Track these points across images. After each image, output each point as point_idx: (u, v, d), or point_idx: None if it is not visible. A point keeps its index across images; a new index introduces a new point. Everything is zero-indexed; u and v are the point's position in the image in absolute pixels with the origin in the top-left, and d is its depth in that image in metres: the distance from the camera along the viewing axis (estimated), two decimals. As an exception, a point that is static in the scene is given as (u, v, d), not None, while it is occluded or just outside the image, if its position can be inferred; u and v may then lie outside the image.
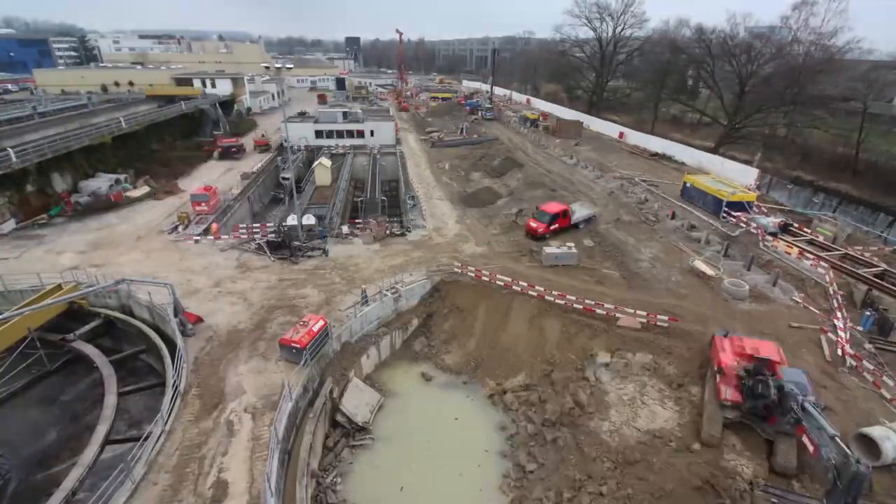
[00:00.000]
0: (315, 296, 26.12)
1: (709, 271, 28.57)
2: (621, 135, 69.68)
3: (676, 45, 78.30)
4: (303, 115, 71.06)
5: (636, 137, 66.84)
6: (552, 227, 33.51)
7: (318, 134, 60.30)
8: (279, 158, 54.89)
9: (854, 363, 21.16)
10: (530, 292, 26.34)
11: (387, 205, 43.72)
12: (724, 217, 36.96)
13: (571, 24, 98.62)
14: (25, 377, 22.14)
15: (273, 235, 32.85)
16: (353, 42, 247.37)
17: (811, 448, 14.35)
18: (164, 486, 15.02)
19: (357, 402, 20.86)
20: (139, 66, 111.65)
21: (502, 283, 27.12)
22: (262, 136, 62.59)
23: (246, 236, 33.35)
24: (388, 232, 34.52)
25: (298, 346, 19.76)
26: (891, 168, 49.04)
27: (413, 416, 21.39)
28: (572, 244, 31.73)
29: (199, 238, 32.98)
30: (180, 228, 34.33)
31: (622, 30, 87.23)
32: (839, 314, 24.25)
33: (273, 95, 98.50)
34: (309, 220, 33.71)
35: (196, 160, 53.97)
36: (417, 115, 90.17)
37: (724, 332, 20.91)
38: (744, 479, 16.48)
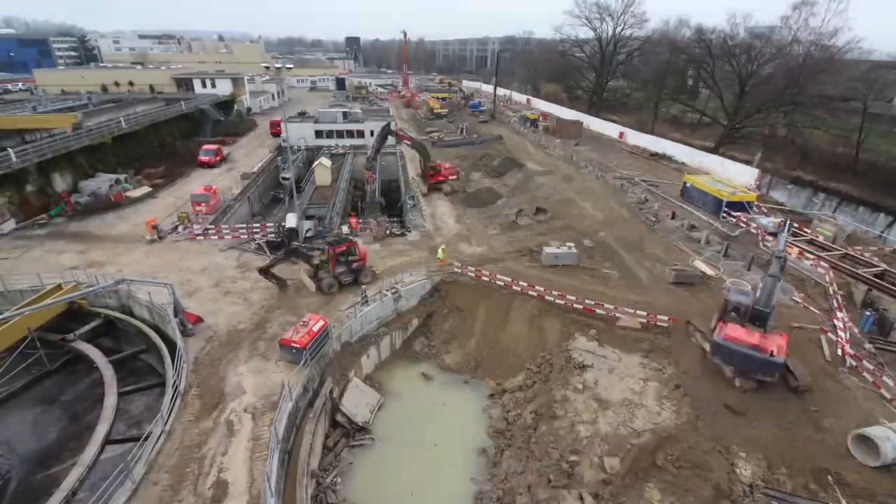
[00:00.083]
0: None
1: (709, 271, 28.60)
2: (621, 135, 69.68)
3: (676, 45, 78.26)
4: (303, 115, 70.97)
5: (636, 137, 66.86)
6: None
7: (318, 134, 60.28)
8: (279, 158, 54.88)
9: (854, 363, 21.16)
10: (530, 292, 26.35)
11: (384, 205, 43.86)
12: (724, 217, 36.97)
13: (571, 24, 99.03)
14: (25, 377, 22.16)
15: (273, 235, 32.87)
16: (353, 42, 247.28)
17: None
18: (164, 486, 15.03)
19: (357, 402, 20.87)
20: (139, 66, 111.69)
21: (502, 283, 27.13)
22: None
23: (246, 236, 33.39)
24: (387, 232, 34.54)
25: (298, 346, 19.77)
26: (891, 168, 48.98)
27: (413, 416, 21.40)
28: (572, 244, 31.74)
29: (200, 237, 33.02)
30: (180, 228, 34.33)
31: (622, 30, 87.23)
32: (839, 314, 24.26)
33: (273, 95, 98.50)
34: (304, 225, 33.53)
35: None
36: (418, 115, 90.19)
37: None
38: (743, 481, 16.45)
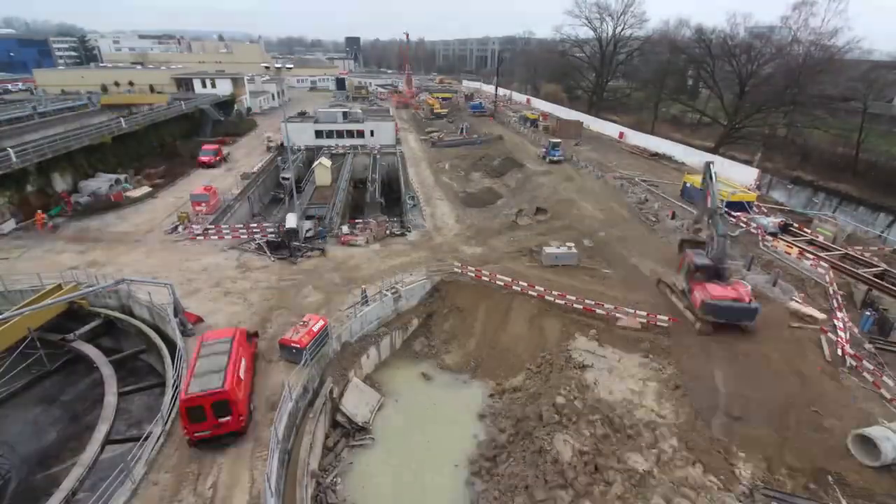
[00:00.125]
0: (314, 296, 26.12)
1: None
2: (621, 135, 69.68)
3: (676, 45, 78.27)
4: (303, 115, 70.95)
5: (636, 137, 66.85)
6: None
7: (318, 134, 60.27)
8: (279, 158, 54.90)
9: (854, 363, 21.15)
10: (530, 292, 26.36)
11: (385, 205, 43.85)
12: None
13: (571, 24, 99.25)
14: (25, 377, 22.16)
15: (273, 235, 32.87)
16: (353, 42, 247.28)
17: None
18: (164, 486, 15.03)
19: (357, 402, 20.86)
20: (139, 66, 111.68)
21: (502, 283, 27.13)
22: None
23: (246, 236, 33.39)
24: (388, 232, 34.53)
25: (298, 346, 19.76)
26: (891, 168, 48.99)
27: (413, 416, 21.39)
28: (572, 244, 31.75)
29: (200, 237, 33.02)
30: (180, 228, 34.33)
31: (622, 30, 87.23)
32: (839, 314, 24.27)
33: (273, 95, 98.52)
34: (304, 225, 33.51)
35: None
36: (418, 115, 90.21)
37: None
38: (742, 482, 16.44)
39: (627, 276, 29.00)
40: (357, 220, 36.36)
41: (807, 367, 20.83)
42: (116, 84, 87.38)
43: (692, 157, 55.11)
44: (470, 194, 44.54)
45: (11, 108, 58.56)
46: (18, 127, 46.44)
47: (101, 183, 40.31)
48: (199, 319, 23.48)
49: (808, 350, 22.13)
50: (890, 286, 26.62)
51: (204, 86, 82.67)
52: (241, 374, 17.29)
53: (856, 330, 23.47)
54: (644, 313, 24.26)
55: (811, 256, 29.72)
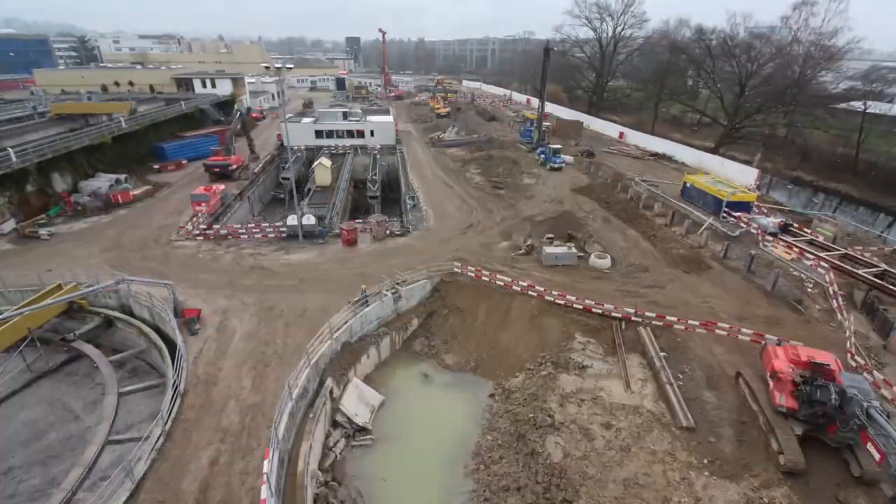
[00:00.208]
0: (316, 297, 26.11)
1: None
2: (621, 135, 69.71)
3: (676, 46, 78.26)
4: (309, 106, 70.66)
5: (636, 137, 66.87)
6: None
7: (318, 134, 60.28)
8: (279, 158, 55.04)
9: (854, 363, 21.14)
10: (530, 292, 26.36)
11: (380, 205, 43.96)
12: (724, 217, 36.97)
13: (571, 25, 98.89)
14: (25, 377, 22.17)
15: (273, 236, 33.04)
16: (353, 42, 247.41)
17: (878, 456, 13.97)
18: (164, 486, 15.03)
19: (357, 402, 20.85)
20: (139, 66, 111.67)
21: (502, 283, 27.14)
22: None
23: (246, 236, 33.45)
24: (387, 232, 34.54)
25: None
26: (891, 168, 49.00)
27: (413, 416, 21.37)
28: (572, 244, 31.78)
29: (200, 237, 33.06)
30: (181, 229, 34.35)
31: (622, 30, 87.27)
32: (840, 314, 24.28)
33: (273, 95, 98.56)
34: (309, 220, 33.74)
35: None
36: (423, 116, 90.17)
37: (777, 340, 20.62)
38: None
39: (627, 275, 28.93)
40: (357, 220, 36.41)
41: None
42: (116, 84, 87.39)
43: (693, 156, 55.16)
44: (470, 194, 44.48)
45: (11, 108, 58.50)
46: (18, 127, 46.39)
47: (101, 183, 40.33)
48: (198, 313, 23.65)
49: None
50: (890, 286, 26.62)
51: (204, 86, 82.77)
52: None
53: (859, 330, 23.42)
54: (653, 314, 24.25)
55: (811, 256, 29.72)
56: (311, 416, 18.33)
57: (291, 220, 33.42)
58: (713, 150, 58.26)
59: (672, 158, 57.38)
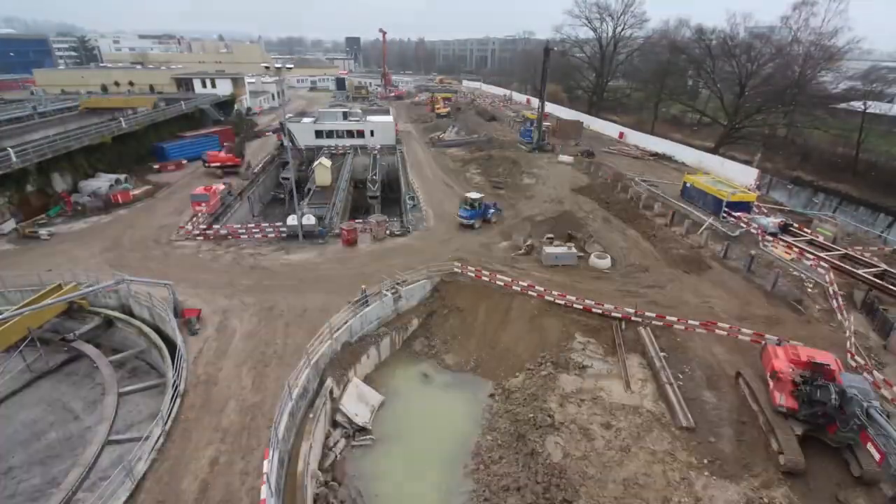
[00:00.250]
0: (316, 297, 26.12)
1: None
2: (621, 135, 69.71)
3: (676, 46, 78.27)
4: (315, 90, 71.00)
5: (636, 137, 66.85)
6: None
7: (318, 134, 60.30)
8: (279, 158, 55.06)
9: (854, 363, 21.15)
10: (530, 292, 26.36)
11: (379, 205, 43.94)
12: (724, 217, 36.97)
13: (571, 25, 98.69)
14: (25, 377, 22.17)
15: (273, 236, 33.04)
16: (353, 42, 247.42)
17: (878, 456, 13.94)
18: (164, 486, 15.03)
19: (357, 402, 20.85)
20: (139, 66, 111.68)
21: (502, 283, 27.14)
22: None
23: (246, 236, 33.46)
24: (387, 232, 34.53)
25: None
26: (891, 168, 49.03)
27: (413, 416, 21.37)
28: (572, 244, 31.78)
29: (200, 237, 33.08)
30: (181, 229, 34.35)
31: (622, 30, 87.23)
32: (840, 314, 24.28)
33: (273, 95, 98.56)
34: (309, 220, 33.77)
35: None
36: (424, 115, 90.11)
37: (777, 341, 20.64)
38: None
39: (627, 275, 28.93)
40: (357, 220, 36.40)
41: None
42: (116, 84, 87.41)
43: (693, 156, 55.13)
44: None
45: (11, 108, 58.53)
46: (18, 127, 46.45)
47: (101, 183, 40.33)
48: (198, 313, 23.66)
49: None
50: (890, 286, 26.62)
51: (204, 86, 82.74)
52: None
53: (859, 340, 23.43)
54: (653, 314, 24.26)
55: (811, 256, 29.72)
56: (311, 416, 18.33)
57: (291, 220, 33.44)
58: (713, 150, 58.26)
59: (672, 158, 57.35)
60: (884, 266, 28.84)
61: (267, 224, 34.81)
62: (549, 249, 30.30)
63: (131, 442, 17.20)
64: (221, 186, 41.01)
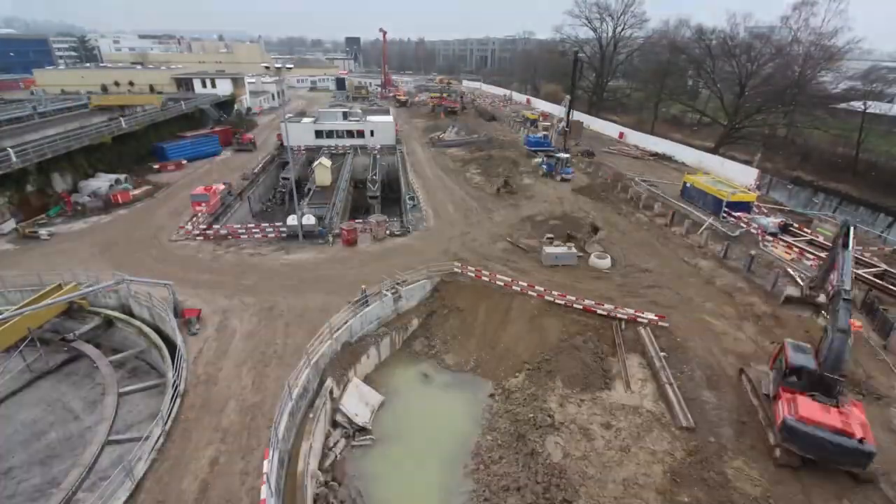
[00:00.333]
0: (316, 297, 26.12)
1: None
2: (621, 135, 69.73)
3: (676, 46, 78.28)
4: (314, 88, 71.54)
5: (636, 137, 66.87)
6: None
7: (318, 134, 60.31)
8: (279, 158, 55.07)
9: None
10: (530, 292, 26.36)
11: (380, 205, 43.92)
12: (724, 217, 36.97)
13: (571, 25, 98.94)
14: (25, 377, 22.17)
15: (273, 235, 33.05)
16: (353, 42, 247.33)
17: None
18: (164, 486, 15.03)
19: (357, 402, 20.85)
20: (139, 66, 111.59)
21: (502, 283, 27.14)
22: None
23: (246, 236, 33.47)
24: (387, 232, 34.54)
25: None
26: (891, 168, 49.02)
27: (413, 416, 21.37)
28: (572, 244, 31.77)
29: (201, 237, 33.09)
30: (181, 229, 34.36)
31: (622, 30, 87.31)
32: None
33: (273, 95, 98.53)
34: (309, 220, 33.78)
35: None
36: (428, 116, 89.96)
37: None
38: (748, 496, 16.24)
39: (628, 275, 28.95)
40: (357, 220, 36.40)
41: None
42: (116, 84, 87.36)
43: (693, 156, 55.08)
44: (469, 194, 44.48)
45: (11, 108, 58.50)
46: (18, 127, 46.44)
47: (101, 183, 40.34)
48: (198, 313, 23.66)
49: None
50: (890, 286, 26.62)
51: (204, 86, 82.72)
52: None
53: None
54: (650, 314, 24.26)
55: (811, 256, 29.72)
56: (311, 416, 18.33)
57: (291, 220, 33.45)
58: (713, 150, 58.24)
59: (672, 158, 57.36)
60: (884, 266, 28.84)
61: (267, 224, 34.84)
62: (549, 249, 30.30)
63: (131, 442, 17.20)
64: (221, 186, 41.01)
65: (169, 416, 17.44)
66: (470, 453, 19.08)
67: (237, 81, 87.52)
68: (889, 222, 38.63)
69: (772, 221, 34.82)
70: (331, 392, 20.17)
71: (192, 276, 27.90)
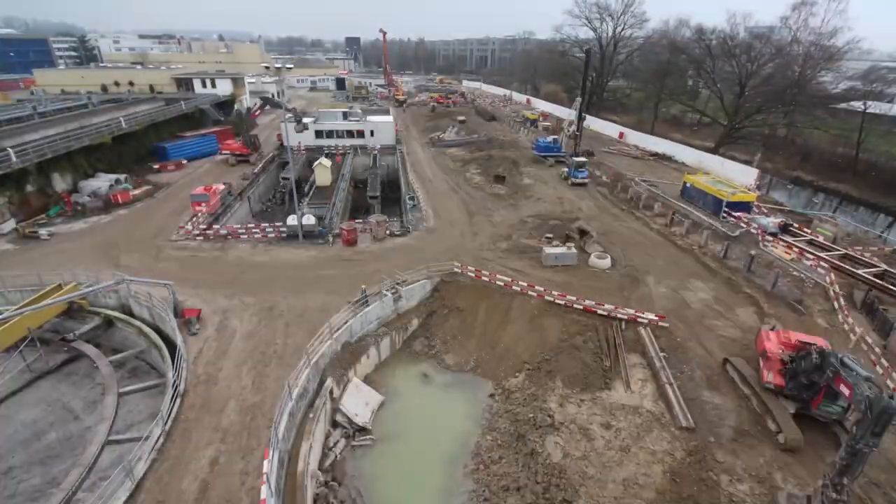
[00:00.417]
0: (318, 293, 26.12)
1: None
2: (621, 135, 69.72)
3: (676, 46, 78.34)
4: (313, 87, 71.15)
5: (636, 137, 66.87)
6: None
7: (318, 134, 60.31)
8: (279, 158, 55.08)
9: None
10: (530, 292, 26.36)
11: (380, 205, 43.90)
12: (724, 217, 36.97)
13: (571, 25, 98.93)
14: (25, 377, 22.17)
15: (273, 235, 33.07)
16: (353, 42, 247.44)
17: (847, 392, 14.50)
18: (164, 486, 15.03)
19: (357, 402, 20.85)
20: (139, 66, 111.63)
21: (502, 283, 27.14)
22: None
23: (246, 236, 33.47)
24: (387, 232, 34.54)
25: None
26: (891, 168, 49.08)
27: (413, 416, 21.37)
28: (572, 244, 31.76)
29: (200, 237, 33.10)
30: (181, 229, 34.36)
31: (622, 30, 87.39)
32: (840, 315, 24.28)
33: (273, 95, 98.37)
34: (309, 220, 33.80)
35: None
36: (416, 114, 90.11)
37: (771, 327, 21.68)
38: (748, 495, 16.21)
39: (628, 275, 28.97)
40: (357, 220, 36.39)
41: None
42: (116, 84, 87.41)
43: (693, 156, 55.07)
44: (469, 194, 44.49)
45: (11, 108, 58.49)
46: (18, 127, 46.42)
47: (101, 183, 40.34)
48: (198, 313, 23.65)
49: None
50: (890, 286, 26.62)
51: (204, 86, 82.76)
52: None
53: (867, 338, 23.43)
54: (651, 314, 24.26)
55: (811, 256, 29.72)
56: (311, 416, 18.33)
57: (291, 220, 33.45)
58: (713, 150, 58.27)
59: (672, 158, 57.35)
60: (884, 266, 28.84)
61: (267, 224, 34.84)
62: (549, 249, 30.29)
63: (131, 442, 17.19)
64: (221, 186, 41.01)
65: (169, 416, 17.44)
66: (470, 453, 19.07)
67: (237, 81, 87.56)
68: (889, 222, 38.69)
69: (772, 221, 34.82)
70: (331, 392, 20.17)
71: (192, 276, 27.88)
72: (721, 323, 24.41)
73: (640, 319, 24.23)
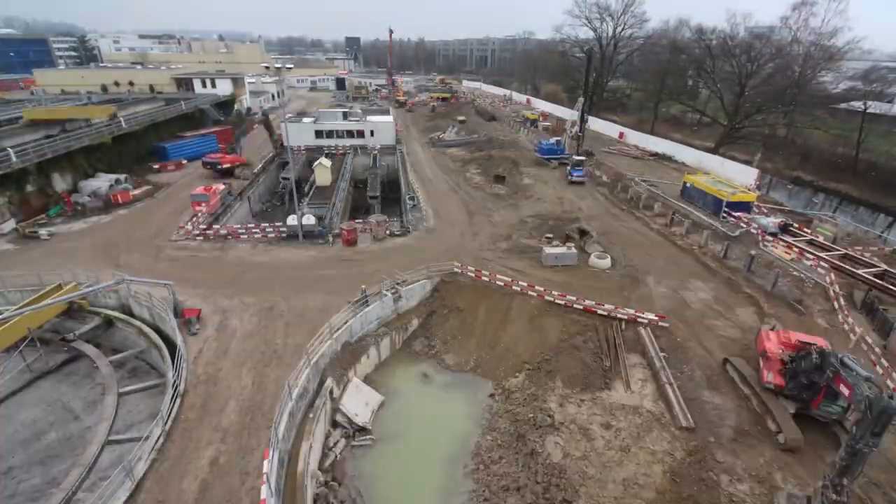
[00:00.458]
0: (318, 292, 26.12)
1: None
2: (621, 135, 69.70)
3: (676, 46, 78.35)
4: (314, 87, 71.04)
5: (636, 137, 66.85)
6: None
7: (318, 134, 60.30)
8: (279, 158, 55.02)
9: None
10: (530, 292, 26.36)
11: (380, 205, 43.88)
12: (724, 217, 36.97)
13: (571, 25, 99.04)
14: (25, 377, 22.17)
15: (273, 235, 33.06)
16: (353, 42, 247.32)
17: (847, 392, 14.51)
18: (165, 486, 15.03)
19: (357, 402, 20.85)
20: (139, 66, 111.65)
21: (502, 283, 27.14)
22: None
23: (246, 236, 33.47)
24: (387, 232, 34.53)
25: None
26: (891, 168, 49.08)
27: (413, 416, 21.37)
28: (571, 244, 31.75)
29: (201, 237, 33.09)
30: (181, 229, 34.35)
31: (622, 30, 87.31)
32: (840, 314, 24.27)
33: (273, 95, 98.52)
34: (309, 220, 33.80)
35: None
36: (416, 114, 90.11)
37: (771, 327, 21.70)
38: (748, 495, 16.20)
39: (628, 275, 28.98)
40: (357, 220, 36.39)
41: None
42: (116, 84, 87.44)
43: (693, 156, 55.06)
44: (469, 194, 44.50)
45: (12, 108, 58.48)
46: (18, 127, 46.39)
47: (101, 183, 40.35)
48: (198, 313, 23.64)
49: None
50: (890, 286, 26.61)
51: (204, 86, 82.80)
52: None
53: (867, 338, 23.44)
54: (651, 314, 24.25)
55: (811, 256, 29.72)
56: (311, 416, 18.33)
57: (291, 220, 33.45)
58: (713, 150, 58.26)
59: (672, 158, 57.33)
60: (884, 266, 28.84)
61: (267, 224, 34.84)
62: (549, 249, 30.28)
63: (131, 442, 17.19)
64: (221, 186, 41.01)
65: (169, 416, 17.43)
66: (470, 453, 19.07)
67: (237, 81, 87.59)
68: (889, 222, 38.69)
69: (772, 221, 34.82)
70: (331, 392, 20.17)
71: (192, 276, 27.88)
72: (721, 323, 24.42)
73: (640, 319, 24.24)
